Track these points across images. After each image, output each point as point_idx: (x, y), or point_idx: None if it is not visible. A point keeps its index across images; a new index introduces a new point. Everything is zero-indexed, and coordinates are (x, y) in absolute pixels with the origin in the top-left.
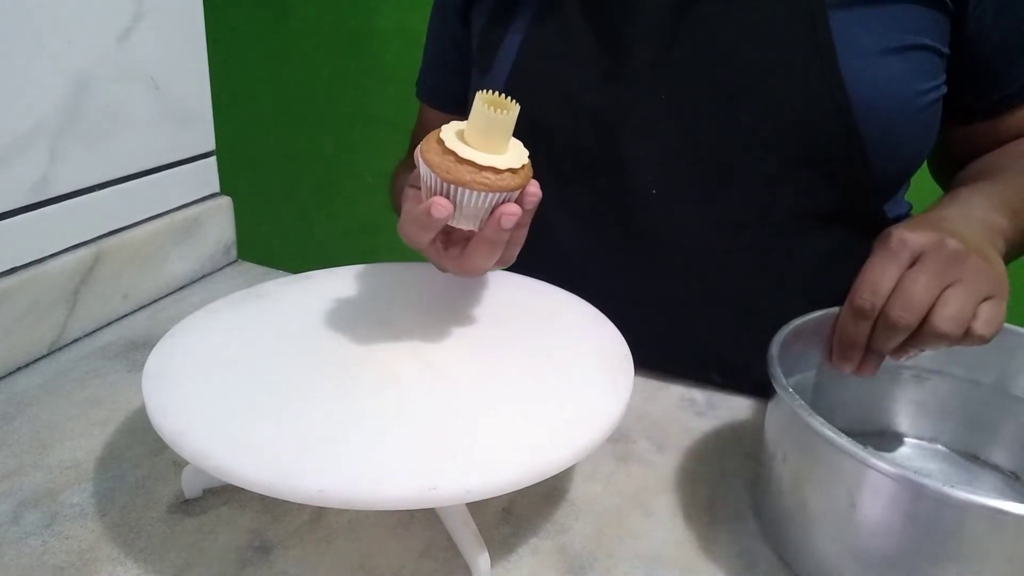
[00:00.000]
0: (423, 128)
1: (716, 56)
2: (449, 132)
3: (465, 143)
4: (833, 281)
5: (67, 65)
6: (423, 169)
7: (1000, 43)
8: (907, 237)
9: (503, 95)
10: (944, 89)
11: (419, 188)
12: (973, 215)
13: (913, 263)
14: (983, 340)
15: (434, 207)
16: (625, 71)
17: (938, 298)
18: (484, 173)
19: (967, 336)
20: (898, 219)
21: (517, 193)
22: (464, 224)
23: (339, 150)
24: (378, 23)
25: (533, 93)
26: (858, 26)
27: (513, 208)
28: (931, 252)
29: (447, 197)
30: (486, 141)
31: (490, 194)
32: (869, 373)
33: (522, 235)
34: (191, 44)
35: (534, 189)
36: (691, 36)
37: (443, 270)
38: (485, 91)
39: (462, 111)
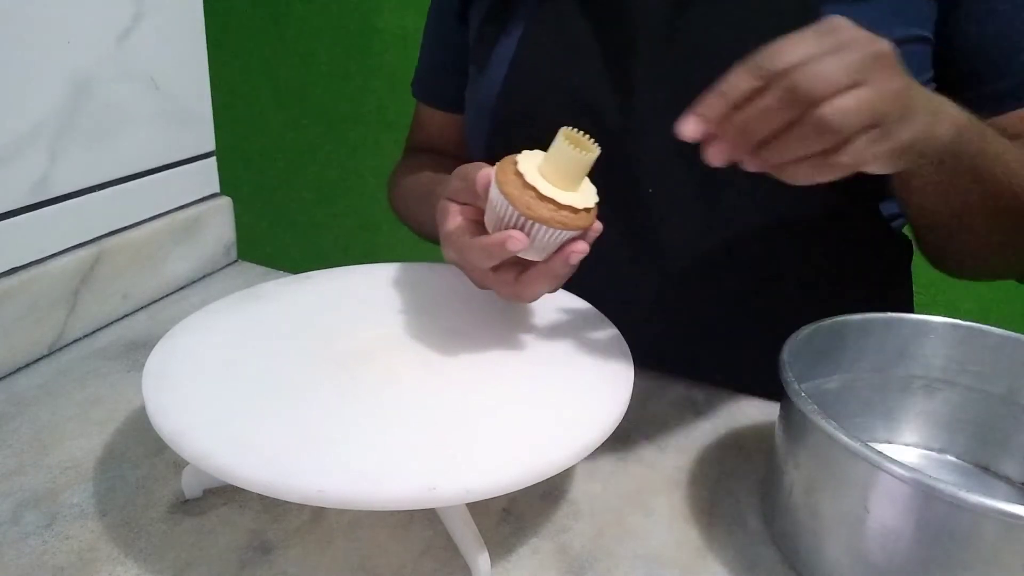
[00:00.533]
0: (419, 127)
1: (713, 54)
2: (528, 165)
3: (542, 177)
4: (830, 279)
5: (67, 65)
6: (498, 197)
7: (994, 32)
8: (844, 23)
9: (583, 134)
10: (933, 84)
11: (458, 203)
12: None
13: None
14: (841, 168)
15: (511, 241)
16: (624, 70)
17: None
18: (563, 212)
19: (840, 153)
20: (894, 218)
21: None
22: (531, 256)
23: (339, 150)
24: (378, 23)
25: (531, 91)
26: (852, 20)
27: (582, 246)
28: (861, 44)
29: (521, 230)
30: (563, 178)
31: (564, 231)
32: (715, 157)
33: (576, 265)
34: (191, 44)
35: (598, 226)
36: (689, 34)
37: (482, 287)
38: (569, 128)
39: (460, 110)
